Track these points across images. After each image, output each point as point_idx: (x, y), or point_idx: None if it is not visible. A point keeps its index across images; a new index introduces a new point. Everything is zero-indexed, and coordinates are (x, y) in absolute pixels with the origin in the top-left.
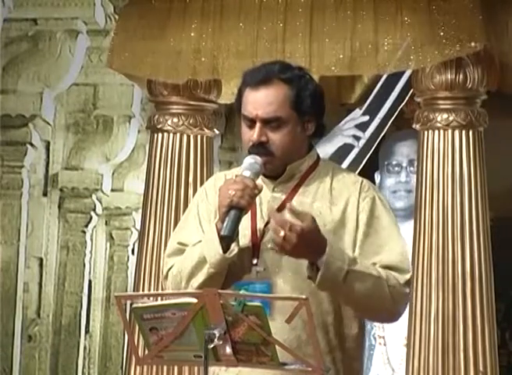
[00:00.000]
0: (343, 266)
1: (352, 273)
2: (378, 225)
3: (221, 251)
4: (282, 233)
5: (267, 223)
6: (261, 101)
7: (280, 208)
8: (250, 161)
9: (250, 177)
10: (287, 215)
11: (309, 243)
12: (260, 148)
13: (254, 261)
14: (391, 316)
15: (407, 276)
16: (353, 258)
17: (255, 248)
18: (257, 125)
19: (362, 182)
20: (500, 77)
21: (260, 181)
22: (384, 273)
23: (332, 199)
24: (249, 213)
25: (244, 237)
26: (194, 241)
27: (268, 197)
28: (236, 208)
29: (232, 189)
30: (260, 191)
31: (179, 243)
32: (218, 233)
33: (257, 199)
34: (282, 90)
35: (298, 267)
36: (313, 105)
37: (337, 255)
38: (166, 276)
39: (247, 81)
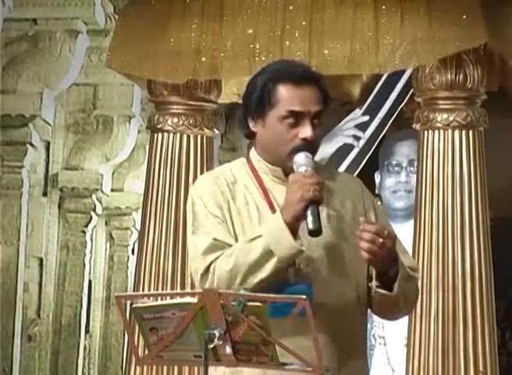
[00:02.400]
0: (407, 272)
1: (410, 278)
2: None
3: (297, 245)
4: (380, 240)
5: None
6: (310, 97)
7: None
8: (306, 157)
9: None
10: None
11: (390, 250)
12: (310, 144)
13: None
14: (406, 315)
15: (418, 275)
16: (402, 263)
17: None
18: (308, 121)
19: (358, 180)
20: (501, 76)
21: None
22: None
23: (340, 199)
24: (267, 205)
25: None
26: (229, 240)
27: (282, 189)
28: (315, 202)
29: (308, 184)
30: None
31: (216, 239)
32: (293, 228)
33: (271, 191)
34: (317, 89)
35: (331, 263)
36: (327, 107)
37: (403, 263)
38: (205, 273)
39: (283, 78)
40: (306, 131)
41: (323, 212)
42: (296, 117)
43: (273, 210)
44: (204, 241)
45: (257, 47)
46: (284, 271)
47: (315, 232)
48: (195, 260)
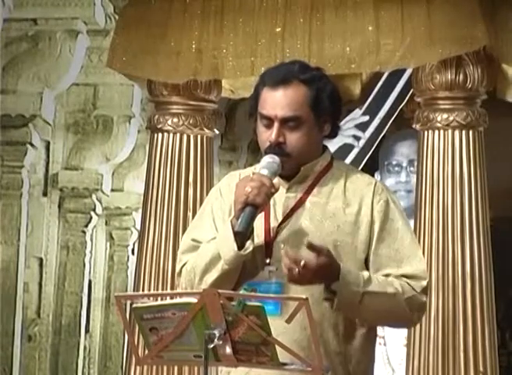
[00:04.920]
0: (358, 289)
1: (368, 294)
2: (392, 229)
3: (235, 247)
4: (296, 271)
5: (281, 223)
6: (280, 100)
7: (295, 208)
8: (269, 160)
9: (267, 176)
10: (303, 251)
11: (323, 275)
12: (277, 148)
13: (267, 260)
14: (409, 324)
15: (424, 283)
16: (368, 278)
17: (268, 248)
18: (276, 125)
19: (376, 183)
20: (496, 77)
21: (277, 181)
22: (400, 286)
23: (345, 200)
24: (263, 213)
25: (257, 236)
26: (208, 239)
27: (283, 197)
28: (252, 205)
29: (249, 186)
30: (276, 191)
31: (193, 240)
32: (233, 230)
33: (272, 199)
34: (301, 90)
35: None
36: (331, 106)
37: (352, 280)
38: (180, 273)
39: (266, 81)
40: (271, 134)
41: (312, 211)
42: (268, 120)
43: (266, 213)
44: (185, 240)
45: (258, 47)
46: (248, 270)
47: (239, 234)
48: (177, 259)
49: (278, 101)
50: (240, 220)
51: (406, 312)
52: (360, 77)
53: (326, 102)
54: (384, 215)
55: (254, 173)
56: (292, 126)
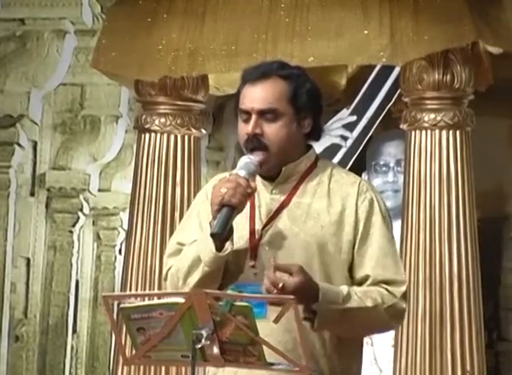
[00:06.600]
0: (338, 307)
1: (348, 311)
2: (374, 230)
3: (214, 249)
4: (275, 291)
5: (265, 225)
6: (258, 94)
7: (279, 210)
8: (246, 160)
9: (243, 176)
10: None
11: (302, 295)
12: (255, 141)
13: (251, 263)
14: (387, 330)
15: (403, 288)
16: (347, 294)
17: (253, 250)
18: (253, 117)
19: (360, 183)
20: (493, 72)
21: (256, 182)
22: (379, 296)
23: (330, 200)
24: (247, 215)
25: (242, 238)
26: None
27: (267, 198)
28: (228, 206)
29: (225, 187)
30: (254, 191)
31: (179, 243)
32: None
33: (256, 201)
34: (279, 85)
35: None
36: (310, 102)
37: (331, 298)
38: (166, 277)
39: (245, 78)
40: (248, 128)
41: (296, 212)
42: (246, 113)
43: (251, 214)
44: (171, 244)
45: (240, 46)
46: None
47: (216, 235)
48: (164, 263)
49: (256, 95)
50: (216, 221)
51: (386, 321)
52: (345, 71)
53: (305, 97)
54: (368, 214)
55: (230, 174)
56: (269, 119)
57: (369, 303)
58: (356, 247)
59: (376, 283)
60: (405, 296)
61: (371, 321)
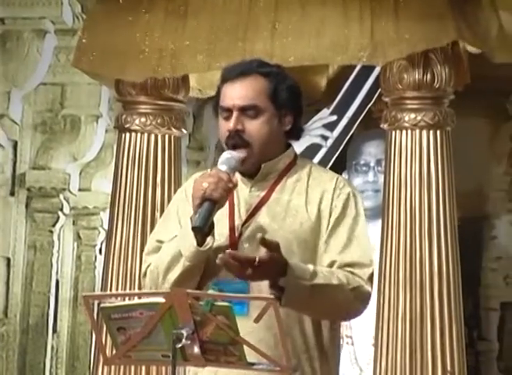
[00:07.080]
0: (305, 283)
1: (315, 287)
2: (345, 221)
3: (195, 243)
4: (248, 272)
5: (244, 222)
6: (238, 91)
7: (258, 207)
8: (227, 156)
9: (225, 171)
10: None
11: (268, 270)
12: (236, 137)
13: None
14: (353, 315)
15: (369, 270)
16: (314, 271)
17: (233, 247)
18: (234, 114)
19: (338, 178)
20: (470, 72)
21: (236, 177)
22: (344, 277)
23: (308, 197)
24: (227, 212)
25: (222, 235)
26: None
27: (246, 195)
28: (209, 200)
29: (206, 181)
30: (235, 186)
31: (158, 241)
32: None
33: (236, 198)
34: (259, 82)
35: None
36: (290, 99)
37: (299, 274)
38: (145, 274)
39: (226, 77)
40: (229, 124)
41: (275, 209)
42: (227, 110)
43: (231, 211)
44: (150, 241)
45: (220, 46)
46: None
47: (197, 229)
48: (143, 261)
49: (236, 92)
50: (197, 215)
51: (351, 301)
52: (326, 71)
53: (285, 94)
54: (342, 208)
55: (212, 169)
56: (251, 115)
57: (335, 281)
58: (325, 236)
59: (341, 267)
60: (371, 279)
61: (338, 300)
